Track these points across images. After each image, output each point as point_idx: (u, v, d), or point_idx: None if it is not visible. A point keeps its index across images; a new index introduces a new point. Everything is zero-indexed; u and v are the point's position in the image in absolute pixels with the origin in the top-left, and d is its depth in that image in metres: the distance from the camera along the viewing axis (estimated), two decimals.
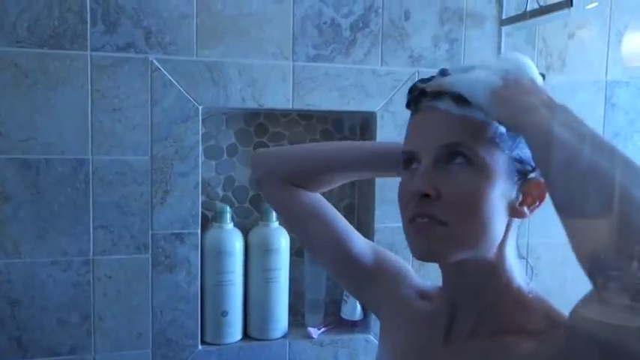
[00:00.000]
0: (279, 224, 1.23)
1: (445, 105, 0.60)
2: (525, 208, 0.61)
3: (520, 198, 0.61)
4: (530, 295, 0.63)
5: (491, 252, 0.61)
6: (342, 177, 0.83)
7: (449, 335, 0.67)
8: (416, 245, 0.61)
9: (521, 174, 0.61)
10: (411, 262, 1.25)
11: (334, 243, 0.80)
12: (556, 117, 0.52)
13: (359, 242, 0.81)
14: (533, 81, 0.59)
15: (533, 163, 0.60)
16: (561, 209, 0.50)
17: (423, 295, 0.76)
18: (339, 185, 0.85)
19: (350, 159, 0.80)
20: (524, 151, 0.60)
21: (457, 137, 0.59)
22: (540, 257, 1.33)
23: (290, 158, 0.83)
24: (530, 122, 0.53)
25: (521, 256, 0.65)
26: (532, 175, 0.61)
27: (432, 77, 0.65)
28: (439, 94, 0.61)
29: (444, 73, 0.64)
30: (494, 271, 0.62)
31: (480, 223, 0.59)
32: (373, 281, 0.80)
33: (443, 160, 0.59)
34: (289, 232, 0.88)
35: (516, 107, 0.55)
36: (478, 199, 0.58)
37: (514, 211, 0.61)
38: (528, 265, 0.67)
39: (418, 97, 0.63)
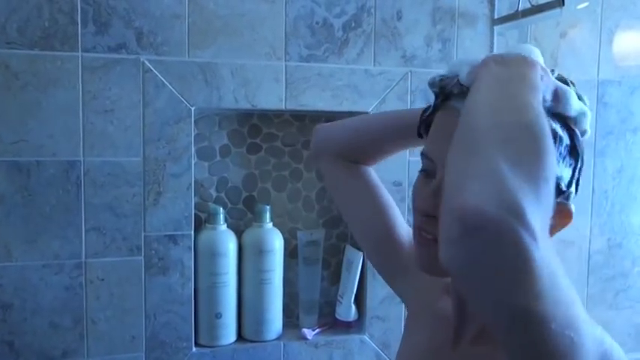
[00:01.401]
0: (273, 225, 1.23)
1: (459, 103, 0.56)
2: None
3: None
4: None
5: None
6: (398, 146, 0.81)
7: (458, 338, 0.66)
8: (418, 257, 0.61)
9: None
10: None
11: (377, 227, 0.80)
12: (500, 70, 0.50)
13: (401, 232, 0.80)
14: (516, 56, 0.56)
15: (567, 185, 0.56)
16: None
17: (448, 291, 0.74)
18: (396, 153, 0.84)
19: (401, 126, 0.77)
20: (561, 171, 0.55)
21: None
22: None
23: (344, 133, 0.83)
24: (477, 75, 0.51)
25: None
26: (562, 198, 0.56)
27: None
28: (461, 96, 0.57)
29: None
30: None
31: None
32: (405, 274, 0.78)
33: None
34: (338, 207, 0.87)
35: (479, 69, 0.53)
36: None
37: None
38: None
39: (443, 96, 0.60)
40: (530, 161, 0.42)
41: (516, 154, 0.42)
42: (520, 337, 0.42)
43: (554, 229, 0.56)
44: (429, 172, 0.61)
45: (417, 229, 0.60)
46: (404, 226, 0.81)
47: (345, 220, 0.88)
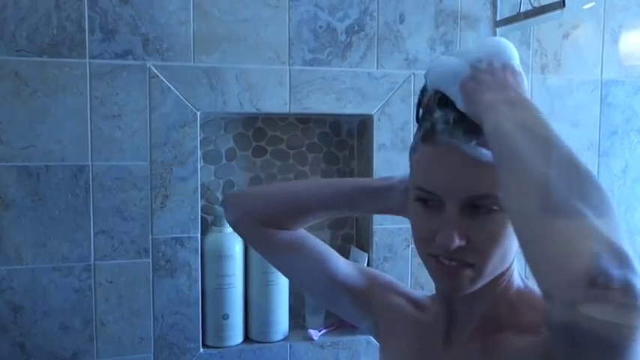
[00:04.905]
0: None
1: (457, 141, 0.58)
2: None
3: None
4: (527, 291, 0.64)
5: None
6: (320, 216, 0.80)
7: (448, 339, 0.67)
8: (444, 284, 0.62)
9: None
10: (409, 267, 1.26)
11: (320, 275, 0.79)
12: (516, 116, 0.52)
13: (343, 266, 0.80)
14: (503, 69, 0.58)
15: None
16: (506, 210, 0.52)
17: (415, 303, 0.76)
18: (318, 221, 0.82)
19: (324, 198, 0.78)
20: None
21: (482, 188, 0.58)
22: None
23: (263, 202, 0.81)
24: (488, 122, 0.53)
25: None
26: None
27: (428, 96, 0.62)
28: (451, 129, 0.58)
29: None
30: (496, 278, 0.63)
31: (502, 257, 0.61)
32: (368, 300, 0.80)
33: (469, 208, 0.59)
34: (275, 267, 0.88)
35: (479, 105, 0.55)
36: (502, 240, 0.59)
37: None
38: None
39: (431, 128, 0.60)
40: (608, 210, 0.45)
41: (596, 206, 0.45)
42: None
43: None
44: (428, 202, 0.61)
45: (435, 256, 0.61)
46: (340, 259, 0.81)
47: (287, 278, 0.88)
